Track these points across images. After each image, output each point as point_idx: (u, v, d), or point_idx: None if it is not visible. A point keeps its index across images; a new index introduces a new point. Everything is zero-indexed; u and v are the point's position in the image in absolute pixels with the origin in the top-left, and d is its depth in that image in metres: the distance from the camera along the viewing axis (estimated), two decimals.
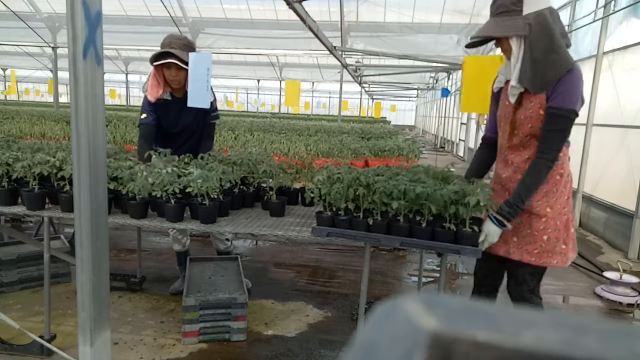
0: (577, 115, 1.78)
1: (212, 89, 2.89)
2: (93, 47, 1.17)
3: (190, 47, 2.76)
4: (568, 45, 1.82)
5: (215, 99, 3.03)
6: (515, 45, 1.80)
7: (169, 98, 2.84)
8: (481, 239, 1.85)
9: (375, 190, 1.85)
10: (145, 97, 2.85)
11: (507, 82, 1.97)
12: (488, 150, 2.18)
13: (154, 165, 2.27)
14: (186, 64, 2.59)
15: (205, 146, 2.99)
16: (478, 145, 2.26)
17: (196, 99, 2.61)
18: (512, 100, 1.91)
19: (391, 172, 2.03)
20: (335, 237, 1.97)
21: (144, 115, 2.86)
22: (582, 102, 1.81)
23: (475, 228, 1.84)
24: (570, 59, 1.78)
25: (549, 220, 1.88)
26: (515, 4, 1.76)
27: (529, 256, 1.92)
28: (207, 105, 2.63)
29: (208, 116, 2.99)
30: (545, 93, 1.81)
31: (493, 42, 1.96)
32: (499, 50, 2.00)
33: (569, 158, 1.96)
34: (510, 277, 2.08)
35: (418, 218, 1.90)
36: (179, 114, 2.88)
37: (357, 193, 1.88)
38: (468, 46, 2.08)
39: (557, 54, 1.75)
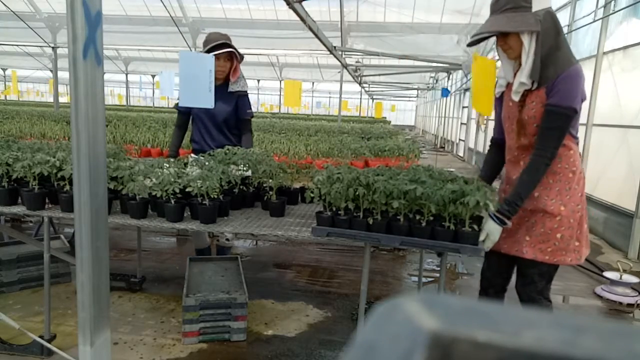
0: (576, 112, 1.79)
1: (246, 82, 3.17)
2: (93, 47, 1.17)
3: (230, 41, 3.03)
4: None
5: (247, 95, 3.21)
6: (527, 41, 1.79)
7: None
8: (482, 237, 1.84)
9: (375, 190, 1.85)
10: None
11: (509, 84, 1.98)
12: (498, 152, 2.19)
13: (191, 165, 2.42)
14: (237, 52, 2.98)
15: (247, 141, 3.15)
16: (487, 147, 2.27)
17: (196, 99, 2.64)
18: (516, 98, 1.91)
19: (391, 172, 2.03)
20: (336, 237, 1.97)
21: (178, 101, 3.09)
22: (583, 99, 1.82)
23: (475, 227, 1.84)
24: (572, 58, 1.80)
25: (562, 218, 1.88)
26: (521, 2, 1.77)
27: (542, 255, 1.92)
28: (211, 105, 2.70)
29: (243, 112, 3.15)
30: (545, 90, 1.81)
31: (492, 42, 1.95)
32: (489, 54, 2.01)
33: (580, 155, 1.95)
34: (519, 277, 2.07)
35: (418, 217, 1.90)
36: (215, 103, 3.01)
37: (357, 193, 1.88)
38: (471, 44, 2.05)
39: (561, 51, 1.77)
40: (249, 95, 3.22)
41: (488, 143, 2.29)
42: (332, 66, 15.85)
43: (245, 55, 3.24)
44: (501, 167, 2.21)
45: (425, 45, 8.93)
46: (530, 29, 1.76)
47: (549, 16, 1.76)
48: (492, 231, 1.83)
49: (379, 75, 13.13)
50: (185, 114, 3.18)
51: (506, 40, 1.86)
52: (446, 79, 16.58)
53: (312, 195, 2.02)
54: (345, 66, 9.22)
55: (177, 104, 3.13)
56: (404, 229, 1.88)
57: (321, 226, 1.98)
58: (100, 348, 1.28)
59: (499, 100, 2.09)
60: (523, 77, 1.84)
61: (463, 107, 14.54)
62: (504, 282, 2.21)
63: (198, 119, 3.14)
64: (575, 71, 1.77)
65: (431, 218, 1.87)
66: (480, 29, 1.89)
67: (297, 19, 3.97)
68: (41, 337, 2.35)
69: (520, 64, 1.87)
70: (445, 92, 11.29)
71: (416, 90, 24.01)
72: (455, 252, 1.83)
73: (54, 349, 2.29)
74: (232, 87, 3.08)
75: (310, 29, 4.37)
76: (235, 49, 2.98)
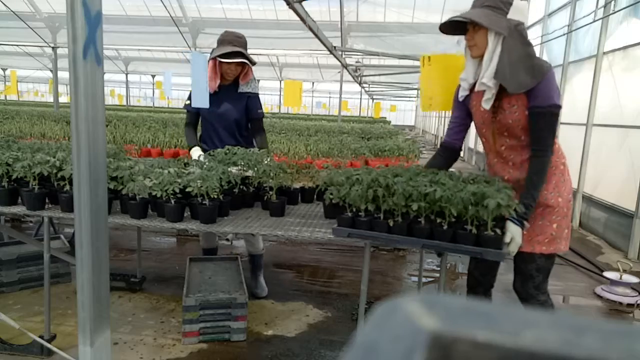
0: (560, 107, 1.86)
1: (257, 85, 3.14)
2: (93, 47, 1.17)
3: (246, 44, 2.98)
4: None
5: (258, 96, 3.17)
6: (492, 42, 1.85)
7: (217, 89, 2.99)
8: (507, 240, 1.82)
9: (394, 192, 1.82)
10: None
11: (472, 88, 2.01)
12: (448, 157, 2.21)
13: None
14: (250, 61, 2.92)
15: (261, 141, 3.12)
16: (437, 149, 2.29)
17: (199, 99, 2.67)
18: (487, 106, 1.94)
19: (410, 172, 1.98)
20: (356, 238, 1.94)
21: (187, 102, 3.09)
22: (559, 93, 1.89)
23: (498, 231, 1.79)
24: (545, 65, 1.85)
25: (559, 209, 1.95)
26: (505, 4, 1.83)
27: (540, 246, 1.97)
28: (206, 106, 2.73)
29: (254, 112, 3.11)
30: (526, 95, 1.86)
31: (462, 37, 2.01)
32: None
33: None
34: (516, 274, 2.08)
35: (439, 220, 1.86)
36: (222, 102, 3.03)
37: (376, 194, 1.85)
38: (443, 28, 2.04)
39: (533, 61, 1.83)
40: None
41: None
42: (332, 66, 15.84)
43: None
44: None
45: (425, 45, 8.92)
46: (498, 30, 1.81)
47: (519, 28, 1.83)
48: (515, 234, 1.82)
49: (379, 75, 13.13)
50: (194, 114, 3.13)
51: (474, 35, 1.91)
52: None
53: (331, 196, 1.99)
54: (345, 66, 9.22)
55: (187, 104, 3.09)
56: (425, 231, 1.83)
57: (342, 227, 1.96)
58: (100, 348, 1.28)
59: (460, 104, 2.12)
60: (485, 78, 1.88)
61: None
62: (492, 280, 2.26)
63: (207, 120, 3.10)
64: (551, 74, 1.84)
65: (453, 220, 1.83)
66: (458, 15, 1.90)
67: (297, 19, 3.97)
68: (41, 337, 2.35)
69: (481, 65, 1.92)
70: None
71: (416, 90, 23.98)
72: (478, 256, 1.79)
73: (54, 349, 2.29)
74: (242, 88, 3.03)
75: (310, 29, 4.37)
76: (248, 57, 2.90)
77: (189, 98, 3.07)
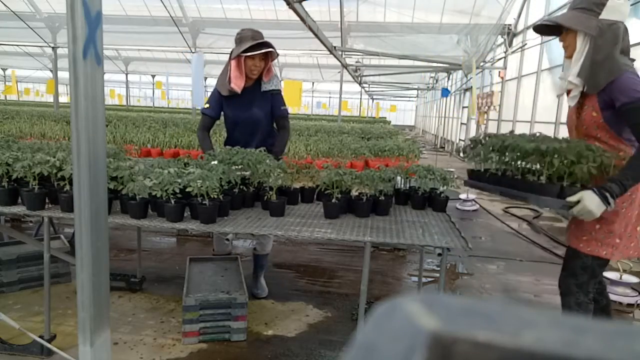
0: None
1: (279, 82, 3.08)
2: (93, 47, 1.17)
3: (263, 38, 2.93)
4: (632, 61, 1.88)
5: (281, 93, 3.13)
6: (580, 42, 1.88)
7: (239, 91, 2.93)
8: (575, 199, 1.77)
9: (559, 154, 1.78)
10: (214, 91, 3.00)
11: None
12: None
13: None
14: (275, 51, 2.87)
15: (280, 140, 3.07)
16: None
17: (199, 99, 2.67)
18: (572, 103, 1.98)
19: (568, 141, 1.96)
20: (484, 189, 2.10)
21: (207, 105, 3.02)
22: None
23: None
24: (622, 67, 1.82)
25: (607, 213, 1.86)
26: (597, 5, 1.84)
27: (577, 242, 1.96)
28: (201, 105, 2.71)
29: (277, 109, 3.05)
30: (598, 98, 1.87)
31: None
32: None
33: None
34: (562, 268, 2.09)
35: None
36: (248, 104, 2.98)
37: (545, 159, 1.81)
38: (536, 29, 2.09)
39: (612, 61, 1.83)
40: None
41: None
42: (332, 66, 15.86)
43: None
44: None
45: (425, 45, 8.92)
46: (585, 31, 1.83)
47: (613, 28, 1.83)
48: (586, 198, 1.76)
49: (379, 75, 13.14)
50: (212, 119, 3.02)
51: (566, 37, 1.96)
52: (446, 79, 16.58)
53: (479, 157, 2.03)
54: (345, 66, 9.22)
55: (206, 107, 3.01)
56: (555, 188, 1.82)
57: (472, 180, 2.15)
58: (100, 348, 1.28)
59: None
60: (570, 76, 1.91)
61: (463, 107, 14.53)
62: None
63: (233, 124, 3.01)
64: (626, 74, 1.80)
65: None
66: (550, 18, 2.00)
67: (297, 19, 3.98)
68: (41, 337, 2.35)
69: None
70: (445, 92, 11.30)
71: (416, 90, 24.02)
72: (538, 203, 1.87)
73: (54, 349, 2.29)
74: (265, 87, 2.97)
75: (310, 29, 4.37)
76: (273, 47, 2.84)
77: (208, 102, 3.03)
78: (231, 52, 2.90)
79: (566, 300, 2.04)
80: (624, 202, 1.89)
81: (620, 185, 1.76)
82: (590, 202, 1.75)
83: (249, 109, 2.98)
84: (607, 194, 1.74)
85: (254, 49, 2.78)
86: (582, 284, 1.98)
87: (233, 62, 2.86)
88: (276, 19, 9.44)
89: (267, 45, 2.81)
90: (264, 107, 3.00)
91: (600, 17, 1.83)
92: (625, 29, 1.86)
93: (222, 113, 3.06)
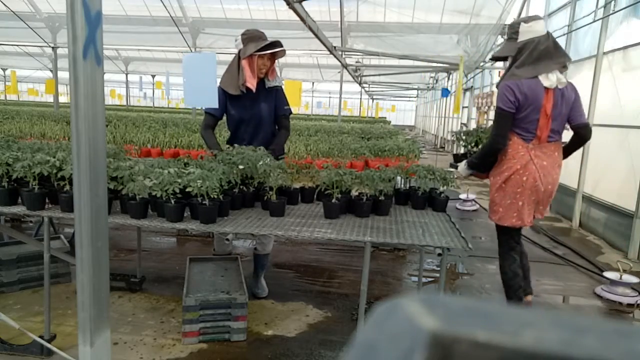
0: (501, 110, 2.53)
1: (281, 79, 3.15)
2: (93, 47, 1.17)
3: None
4: (567, 60, 2.56)
5: (283, 90, 3.18)
6: (510, 60, 2.62)
7: (244, 90, 2.97)
8: (459, 164, 2.90)
9: None
10: (219, 89, 3.00)
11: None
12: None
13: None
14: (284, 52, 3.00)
15: (279, 140, 3.10)
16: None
17: (202, 100, 2.68)
18: None
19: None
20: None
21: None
22: (509, 101, 2.49)
23: None
24: (509, 77, 2.53)
25: (491, 185, 2.72)
26: (514, 33, 2.58)
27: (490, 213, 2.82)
28: (215, 105, 2.76)
29: (280, 107, 3.11)
30: None
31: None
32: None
33: (526, 146, 2.57)
34: None
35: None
36: (253, 103, 3.03)
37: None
38: (492, 60, 3.08)
39: (511, 70, 2.55)
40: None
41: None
42: (332, 66, 15.84)
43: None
44: None
45: (425, 45, 8.91)
46: (508, 54, 2.61)
47: (527, 45, 2.51)
48: (460, 164, 2.87)
49: (379, 75, 13.13)
50: (216, 118, 3.07)
51: (506, 58, 2.72)
52: (446, 79, 16.57)
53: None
54: (345, 66, 9.22)
55: (207, 109, 3.05)
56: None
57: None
58: (100, 348, 1.28)
59: None
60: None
61: (463, 107, 14.53)
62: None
63: (241, 121, 3.05)
64: (503, 84, 2.52)
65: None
66: (495, 52, 2.81)
67: (297, 19, 3.97)
68: (41, 337, 2.35)
69: None
70: (445, 92, 11.29)
71: (416, 90, 24.01)
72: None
73: (54, 349, 2.29)
74: (269, 83, 3.04)
75: (310, 29, 4.37)
76: (283, 46, 2.94)
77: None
78: (239, 52, 2.93)
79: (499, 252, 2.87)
80: (498, 177, 2.63)
81: (472, 161, 2.77)
82: (460, 166, 2.86)
83: (254, 107, 3.03)
84: (466, 164, 2.80)
85: (267, 48, 2.85)
86: (499, 248, 2.84)
87: (245, 62, 2.89)
88: (276, 19, 9.43)
89: (279, 44, 2.91)
90: (269, 104, 3.06)
91: (519, 40, 2.52)
92: (540, 40, 2.47)
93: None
